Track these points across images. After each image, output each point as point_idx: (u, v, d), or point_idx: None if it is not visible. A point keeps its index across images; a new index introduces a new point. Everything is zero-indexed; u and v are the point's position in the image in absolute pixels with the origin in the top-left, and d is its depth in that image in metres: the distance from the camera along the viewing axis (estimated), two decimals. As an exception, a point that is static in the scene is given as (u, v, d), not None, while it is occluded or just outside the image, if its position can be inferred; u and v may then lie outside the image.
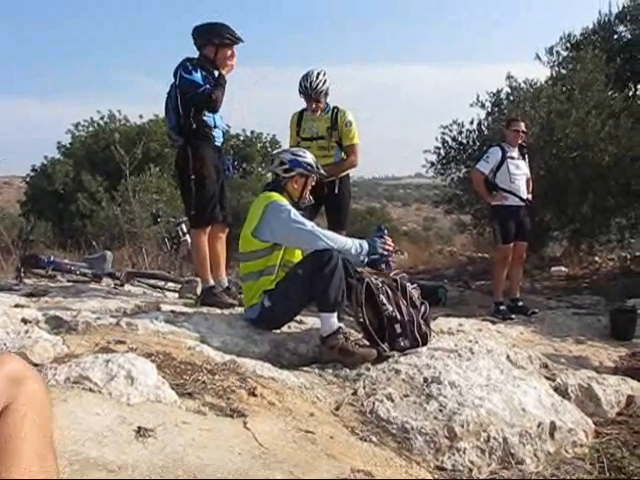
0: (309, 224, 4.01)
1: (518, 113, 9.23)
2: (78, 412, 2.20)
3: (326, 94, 5.60)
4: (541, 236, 10.62)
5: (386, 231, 4.24)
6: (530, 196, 6.88)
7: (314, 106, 5.57)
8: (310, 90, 5.49)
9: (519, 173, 6.69)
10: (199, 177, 4.77)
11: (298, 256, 4.18)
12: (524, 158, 6.83)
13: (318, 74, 5.51)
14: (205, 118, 4.83)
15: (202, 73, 4.75)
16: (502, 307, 6.64)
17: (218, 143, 4.98)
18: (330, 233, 4.06)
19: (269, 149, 25.23)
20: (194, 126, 4.75)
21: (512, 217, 6.67)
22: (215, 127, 4.91)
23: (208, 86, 4.69)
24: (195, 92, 4.71)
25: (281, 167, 4.31)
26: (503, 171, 6.62)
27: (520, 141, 6.75)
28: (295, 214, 4.03)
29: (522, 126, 6.79)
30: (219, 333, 3.92)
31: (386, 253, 4.14)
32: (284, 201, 4.16)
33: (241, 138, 25.57)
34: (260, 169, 24.20)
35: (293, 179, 4.30)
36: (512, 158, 6.66)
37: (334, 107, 5.65)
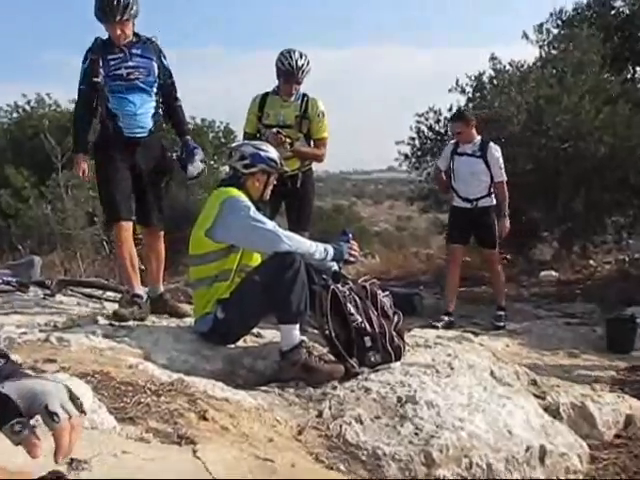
0: (270, 224, 4.00)
1: (502, 99, 9.31)
2: None
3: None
4: (529, 237, 10.70)
5: (351, 235, 4.28)
6: (493, 200, 6.73)
7: (293, 89, 5.52)
8: (296, 69, 5.36)
9: (465, 172, 6.72)
10: (101, 170, 4.81)
11: (257, 260, 4.16)
12: (485, 157, 6.66)
13: (301, 54, 5.42)
14: (108, 105, 4.75)
15: (92, 58, 4.71)
16: (447, 318, 6.65)
17: (128, 133, 4.84)
18: (293, 235, 4.06)
19: (222, 139, 25.09)
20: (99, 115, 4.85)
21: (458, 218, 6.87)
22: (120, 115, 4.79)
23: (83, 87, 4.79)
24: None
25: (241, 162, 4.27)
26: (450, 169, 6.85)
27: (470, 139, 6.72)
28: (255, 212, 4.01)
29: (456, 127, 6.93)
30: (165, 349, 3.90)
31: (352, 259, 4.22)
32: (243, 197, 4.13)
33: (191, 127, 25.40)
34: (213, 162, 24.05)
35: (254, 176, 4.27)
36: (461, 154, 6.74)
37: (304, 94, 5.58)
